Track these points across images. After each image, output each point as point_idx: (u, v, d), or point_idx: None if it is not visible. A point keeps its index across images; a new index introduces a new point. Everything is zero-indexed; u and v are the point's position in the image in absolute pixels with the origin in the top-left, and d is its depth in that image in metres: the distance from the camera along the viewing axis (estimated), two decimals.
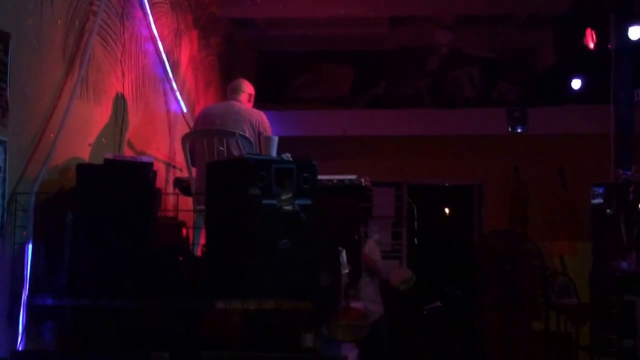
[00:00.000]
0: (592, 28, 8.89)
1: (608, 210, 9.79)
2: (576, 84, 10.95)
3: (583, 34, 8.98)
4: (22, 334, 4.94)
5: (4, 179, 4.91)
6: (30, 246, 5.04)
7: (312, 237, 5.06)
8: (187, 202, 6.87)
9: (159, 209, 6.52)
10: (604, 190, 12.25)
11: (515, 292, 11.23)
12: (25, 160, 5.18)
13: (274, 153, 5.78)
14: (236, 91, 7.43)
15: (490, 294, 11.68)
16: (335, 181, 6.43)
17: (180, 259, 5.49)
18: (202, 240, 6.11)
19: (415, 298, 11.28)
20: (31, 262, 5.02)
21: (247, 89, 7.46)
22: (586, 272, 11.57)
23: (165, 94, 8.11)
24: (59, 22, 5.67)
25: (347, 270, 5.45)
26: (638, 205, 9.19)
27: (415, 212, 13.29)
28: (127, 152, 6.85)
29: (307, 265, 5.01)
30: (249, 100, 7.44)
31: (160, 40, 7.79)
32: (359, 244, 7.04)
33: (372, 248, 9.24)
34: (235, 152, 6.64)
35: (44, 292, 5.03)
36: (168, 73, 8.06)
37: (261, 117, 7.08)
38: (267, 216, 4.92)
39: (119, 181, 5.16)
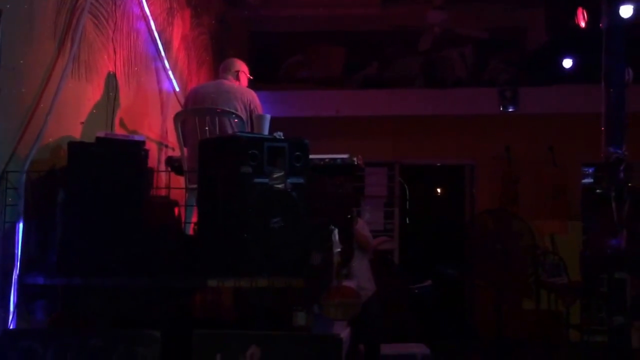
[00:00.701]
0: (583, 7, 8.90)
1: (598, 190, 9.83)
2: (567, 63, 10.99)
3: (574, 13, 8.97)
4: (14, 312, 4.95)
5: None
6: (21, 225, 5.04)
7: (304, 215, 5.07)
8: (179, 180, 6.87)
9: (151, 187, 6.53)
10: (594, 170, 12.32)
11: (506, 271, 11.28)
12: (16, 139, 5.17)
13: (266, 131, 5.78)
14: (227, 70, 7.40)
15: (481, 273, 11.73)
16: (327, 160, 6.42)
17: (172, 237, 5.50)
18: (194, 219, 6.12)
19: (407, 277, 11.32)
20: (22, 240, 5.03)
21: (239, 66, 7.43)
22: (576, 250, 11.65)
23: (157, 73, 8.10)
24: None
25: (339, 249, 5.46)
26: (628, 184, 9.22)
27: (407, 191, 13.32)
28: (119, 131, 6.84)
29: (299, 244, 5.03)
30: (238, 78, 7.40)
31: (153, 18, 7.78)
32: (351, 223, 7.05)
33: (361, 225, 9.25)
34: (228, 131, 6.63)
35: (35, 270, 5.04)
36: (160, 52, 8.05)
37: (252, 96, 7.07)
38: (259, 194, 4.92)
39: (111, 160, 5.15)
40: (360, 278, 8.63)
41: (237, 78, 7.37)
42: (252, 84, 7.63)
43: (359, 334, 8.37)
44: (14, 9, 5.15)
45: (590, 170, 12.70)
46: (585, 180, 12.69)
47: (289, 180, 5.05)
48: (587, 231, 11.98)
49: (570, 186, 12.17)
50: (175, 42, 8.73)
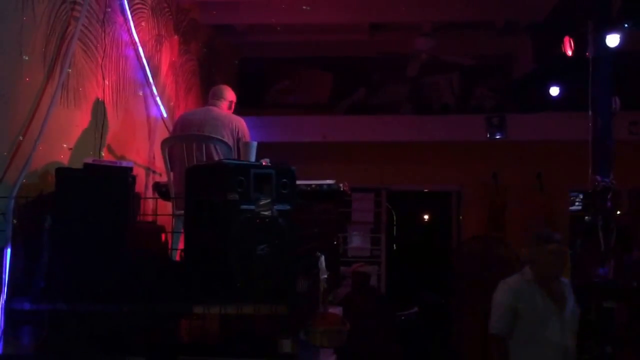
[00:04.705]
0: (570, 35, 8.93)
1: (586, 217, 9.85)
2: (554, 91, 11.01)
3: (561, 42, 9.01)
4: (0, 338, 4.94)
5: None
6: (8, 250, 5.04)
7: (290, 242, 5.08)
8: (166, 206, 6.88)
9: (138, 213, 6.54)
10: (582, 197, 12.36)
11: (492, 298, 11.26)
12: (5, 165, 5.19)
13: (253, 158, 5.81)
14: (216, 97, 7.43)
15: (468, 300, 11.72)
16: (314, 186, 6.45)
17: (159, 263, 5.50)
18: (181, 245, 6.13)
19: (393, 303, 11.31)
20: (9, 266, 5.02)
21: (228, 95, 7.46)
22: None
23: (145, 99, 8.11)
24: (40, 27, 5.69)
25: (325, 276, 5.47)
26: (616, 212, 9.23)
27: (394, 218, 13.33)
28: (107, 157, 6.86)
29: (285, 271, 5.03)
30: (229, 107, 7.43)
31: (141, 45, 7.80)
32: (338, 249, 7.06)
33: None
34: (215, 158, 6.65)
35: (22, 296, 5.03)
36: (148, 78, 8.06)
37: (240, 123, 7.10)
38: (245, 221, 4.93)
39: (98, 185, 5.16)
40: None
41: (229, 107, 7.41)
42: (239, 109, 7.66)
43: None
44: (3, 37, 5.18)
45: (578, 197, 12.74)
46: (573, 208, 12.72)
47: (275, 207, 5.06)
48: (575, 259, 11.99)
49: (558, 213, 12.17)
50: (164, 69, 8.76)
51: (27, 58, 5.50)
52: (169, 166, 6.83)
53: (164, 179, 7.41)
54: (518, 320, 6.16)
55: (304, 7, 9.97)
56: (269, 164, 5.44)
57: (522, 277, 6.36)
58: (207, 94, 7.83)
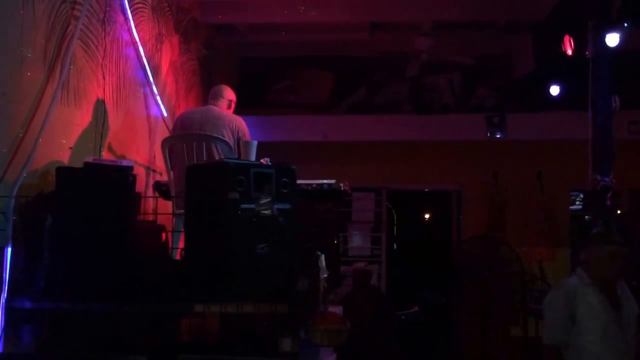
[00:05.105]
0: (570, 35, 8.92)
1: (586, 217, 9.84)
2: (554, 90, 11.00)
3: (561, 41, 9.00)
4: (0, 336, 4.94)
5: None
6: (9, 249, 5.04)
7: (290, 241, 5.08)
8: (167, 205, 6.88)
9: (139, 212, 6.54)
10: (582, 197, 12.36)
11: (493, 298, 11.27)
12: (5, 164, 5.19)
13: (253, 157, 5.81)
14: (216, 97, 7.45)
15: (468, 300, 11.72)
16: (314, 186, 6.45)
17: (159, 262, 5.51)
18: (182, 244, 6.13)
19: (393, 303, 11.31)
20: (10, 265, 5.03)
21: (228, 95, 7.47)
22: (564, 277, 11.62)
23: (145, 98, 8.12)
24: (41, 26, 5.69)
25: (325, 275, 5.47)
26: (616, 212, 9.22)
27: (395, 217, 13.33)
28: (107, 156, 6.86)
29: (285, 270, 5.04)
30: (229, 107, 7.45)
31: (141, 44, 7.81)
32: (338, 248, 7.06)
33: None
34: (215, 157, 6.65)
35: (23, 295, 5.04)
36: (149, 77, 8.06)
37: (240, 123, 7.11)
38: (245, 220, 4.94)
39: (99, 185, 5.17)
40: None
41: (229, 107, 7.42)
42: (240, 109, 7.67)
43: None
44: (3, 36, 5.19)
45: (579, 197, 12.74)
46: (573, 207, 12.71)
47: (275, 206, 5.07)
48: (575, 258, 11.98)
49: (558, 212, 12.17)
50: (164, 68, 8.76)
51: (28, 56, 5.52)
52: (169, 165, 6.84)
53: (164, 178, 7.41)
54: (574, 326, 5.67)
55: (300, 8, 9.97)
56: (269, 163, 5.44)
57: (580, 279, 5.79)
58: (207, 93, 7.84)
